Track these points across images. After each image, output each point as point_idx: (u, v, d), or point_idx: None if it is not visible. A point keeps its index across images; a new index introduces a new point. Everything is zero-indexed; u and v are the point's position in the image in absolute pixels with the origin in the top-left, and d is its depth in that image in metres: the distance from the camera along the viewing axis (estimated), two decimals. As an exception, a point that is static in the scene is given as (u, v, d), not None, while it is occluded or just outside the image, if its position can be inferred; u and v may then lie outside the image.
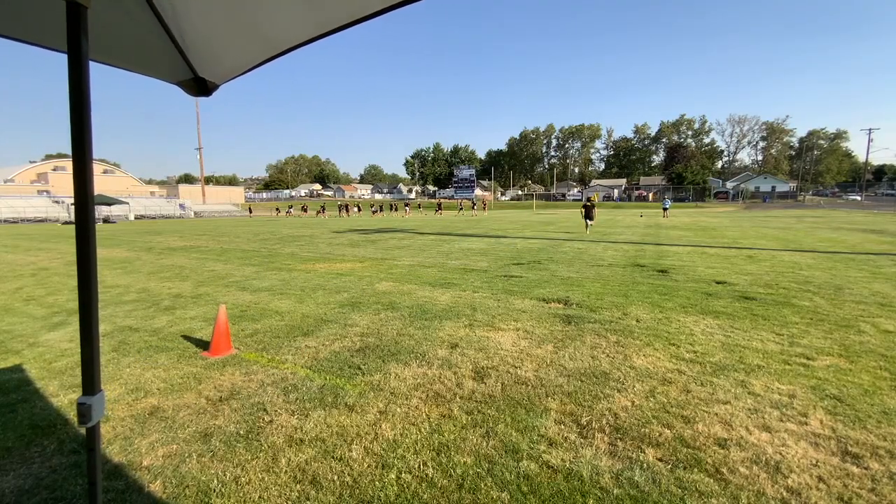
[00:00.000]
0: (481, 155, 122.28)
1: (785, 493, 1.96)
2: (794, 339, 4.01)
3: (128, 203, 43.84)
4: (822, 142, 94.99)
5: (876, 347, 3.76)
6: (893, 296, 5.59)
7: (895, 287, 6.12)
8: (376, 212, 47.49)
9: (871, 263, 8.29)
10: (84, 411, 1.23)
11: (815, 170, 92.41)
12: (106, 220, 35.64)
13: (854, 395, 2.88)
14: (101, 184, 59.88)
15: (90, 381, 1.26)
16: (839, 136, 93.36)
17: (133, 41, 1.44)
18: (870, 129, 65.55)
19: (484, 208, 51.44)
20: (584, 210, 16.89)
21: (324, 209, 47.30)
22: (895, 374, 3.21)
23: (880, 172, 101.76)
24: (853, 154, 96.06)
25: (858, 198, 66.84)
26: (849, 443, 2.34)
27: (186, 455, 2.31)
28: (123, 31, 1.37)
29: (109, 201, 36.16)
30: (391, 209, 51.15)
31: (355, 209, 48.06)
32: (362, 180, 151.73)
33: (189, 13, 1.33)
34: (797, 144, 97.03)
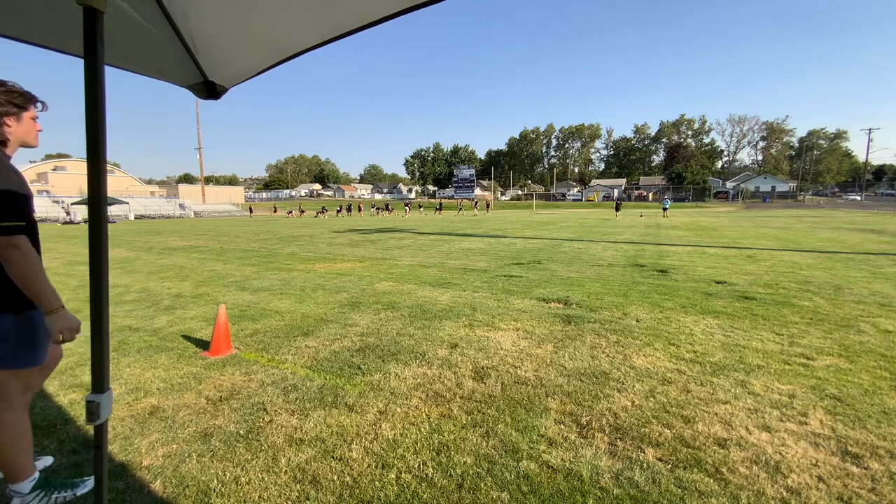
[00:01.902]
0: (481, 155, 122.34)
1: (785, 493, 1.96)
2: (794, 338, 4.02)
3: (128, 203, 43.87)
4: (822, 142, 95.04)
5: (876, 347, 3.76)
6: (893, 296, 5.59)
7: (895, 287, 6.12)
8: (377, 211, 47.58)
9: (871, 263, 8.29)
10: (93, 409, 1.23)
11: (815, 170, 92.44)
12: (106, 220, 35.61)
13: (854, 395, 2.88)
14: (101, 184, 59.64)
15: (99, 380, 1.27)
16: (839, 135, 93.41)
17: (146, 46, 1.45)
18: (870, 129, 65.77)
19: (487, 208, 51.44)
20: (615, 205, 32.37)
21: (324, 210, 47.40)
22: (895, 374, 3.21)
23: (880, 172, 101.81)
24: (853, 154, 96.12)
25: (858, 198, 66.93)
26: (849, 443, 2.34)
27: (186, 455, 2.31)
28: (137, 35, 1.38)
29: (109, 201, 36.20)
30: (388, 209, 51.12)
31: (356, 209, 48.13)
32: (362, 180, 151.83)
33: (201, 18, 1.34)
34: (797, 144, 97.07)
